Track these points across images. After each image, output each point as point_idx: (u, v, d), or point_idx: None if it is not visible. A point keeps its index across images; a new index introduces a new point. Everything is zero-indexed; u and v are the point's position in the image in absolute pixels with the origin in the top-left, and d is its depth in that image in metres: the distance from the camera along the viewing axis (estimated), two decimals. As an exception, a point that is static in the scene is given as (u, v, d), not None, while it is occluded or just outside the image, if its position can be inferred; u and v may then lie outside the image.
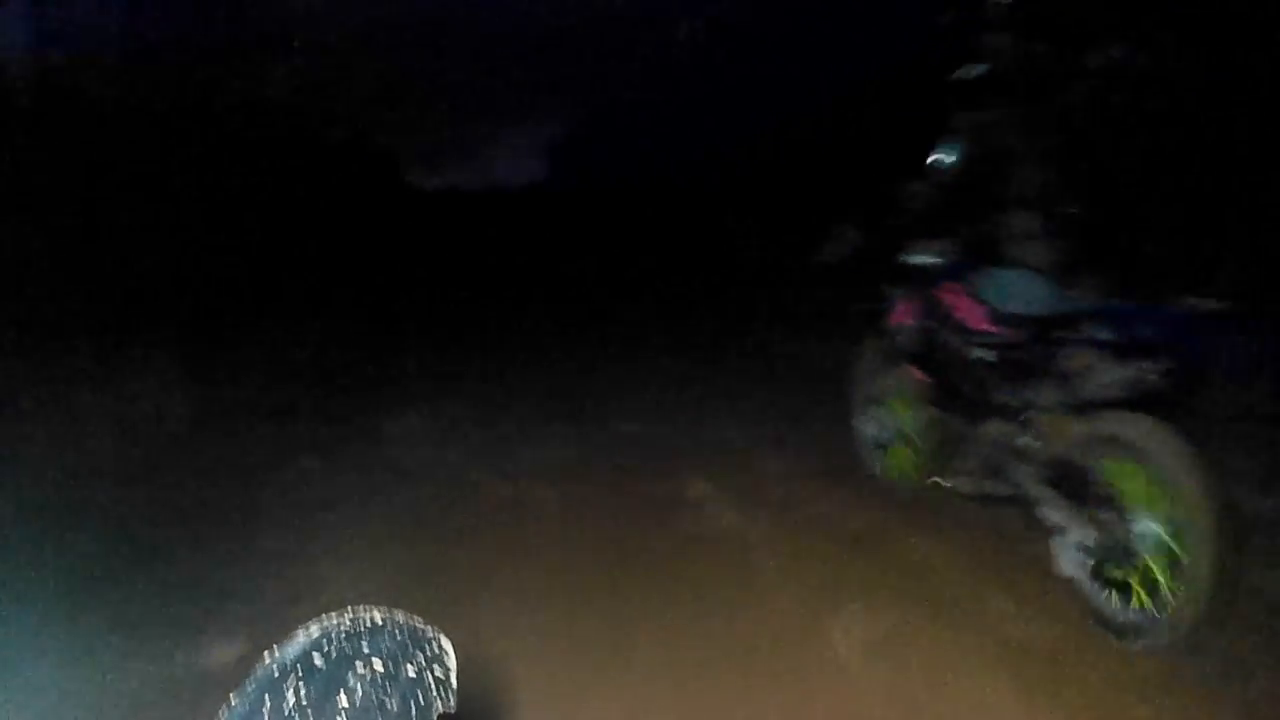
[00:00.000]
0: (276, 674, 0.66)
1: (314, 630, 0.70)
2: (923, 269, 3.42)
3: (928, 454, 3.60)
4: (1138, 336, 2.65)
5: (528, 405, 6.02)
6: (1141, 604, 2.60)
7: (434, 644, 0.71)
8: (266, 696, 0.65)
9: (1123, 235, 3.18)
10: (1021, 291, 3.03)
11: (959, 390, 3.34)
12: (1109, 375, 2.68)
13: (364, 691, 0.66)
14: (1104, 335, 2.72)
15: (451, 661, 0.71)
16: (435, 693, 0.68)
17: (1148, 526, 2.57)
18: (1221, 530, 2.36)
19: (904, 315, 3.62)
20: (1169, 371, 2.61)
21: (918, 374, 3.60)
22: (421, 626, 0.72)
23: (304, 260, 9.06)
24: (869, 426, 4.03)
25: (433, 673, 0.69)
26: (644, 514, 3.93)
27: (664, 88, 17.61)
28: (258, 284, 8.18)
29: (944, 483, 3.42)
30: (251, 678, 0.67)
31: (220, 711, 0.66)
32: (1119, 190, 3.19)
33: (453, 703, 0.69)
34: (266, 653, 0.68)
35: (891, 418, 3.87)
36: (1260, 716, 2.35)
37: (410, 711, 0.66)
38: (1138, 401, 2.65)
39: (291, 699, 0.65)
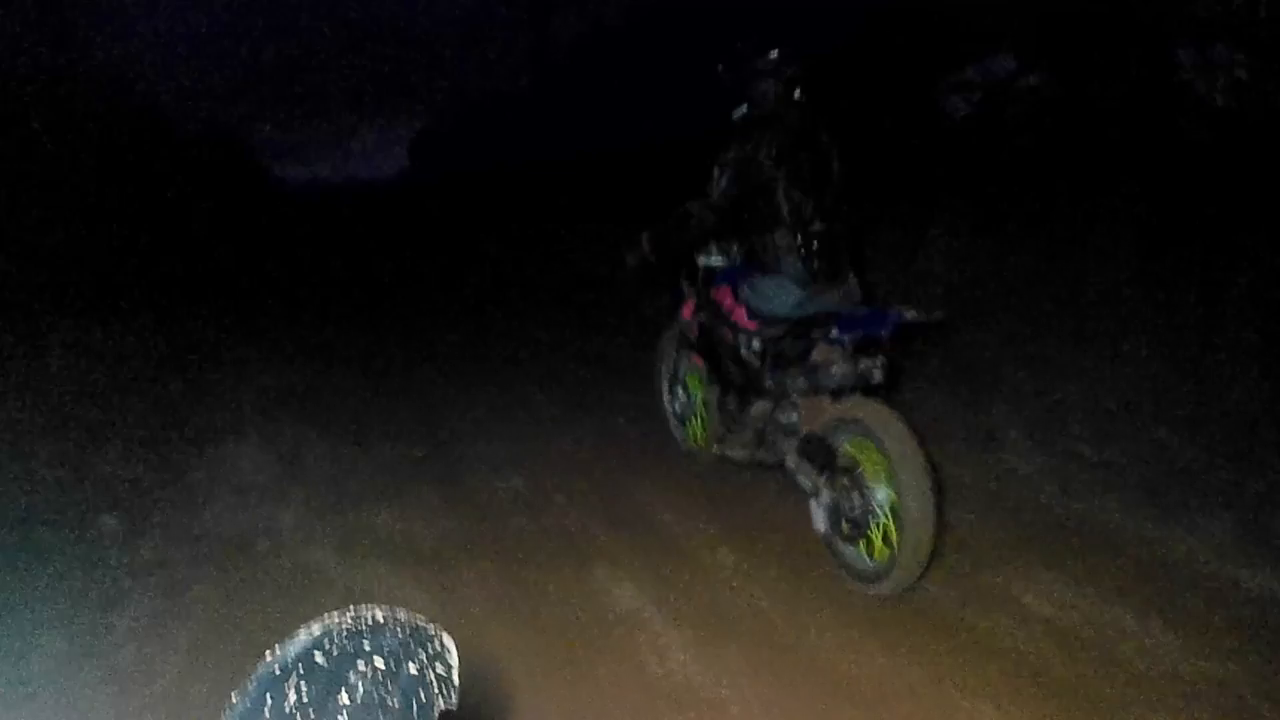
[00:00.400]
0: (278, 672, 0.66)
1: (315, 628, 0.69)
2: (705, 271, 3.99)
3: (712, 427, 4.12)
4: (864, 335, 3.28)
5: (377, 443, 5.07)
6: (875, 555, 3.15)
7: (436, 642, 0.72)
8: (268, 694, 0.64)
9: (854, 252, 3.79)
10: (775, 295, 3.59)
11: (731, 374, 3.92)
12: (841, 366, 3.30)
13: (365, 689, 0.65)
14: (839, 334, 3.33)
15: (453, 659, 0.71)
16: (437, 690, 0.69)
17: (878, 493, 3.11)
18: (930, 495, 2.94)
19: (689, 310, 4.24)
20: (885, 364, 3.27)
21: (700, 359, 4.20)
22: (423, 624, 0.73)
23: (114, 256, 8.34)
24: (673, 404, 4.59)
25: (434, 670, 0.69)
26: (567, 641, 2.94)
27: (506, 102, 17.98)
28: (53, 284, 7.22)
29: (725, 451, 3.96)
30: (253, 676, 0.66)
31: (223, 709, 0.64)
32: (854, 215, 3.76)
33: (454, 700, 0.69)
34: (268, 651, 0.67)
35: (687, 395, 4.45)
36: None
37: (412, 709, 0.67)
38: (866, 388, 3.29)
39: (293, 697, 0.64)
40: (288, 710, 0.63)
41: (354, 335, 8.14)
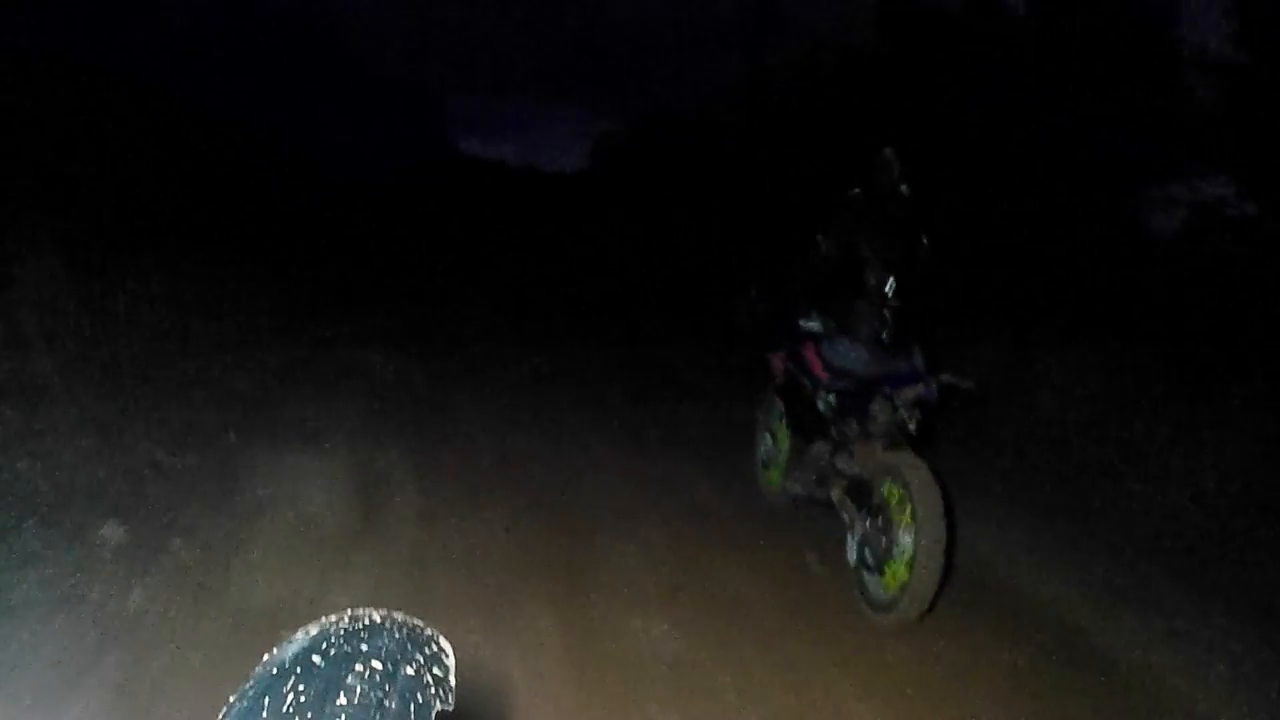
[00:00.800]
0: (275, 673, 0.66)
1: (312, 630, 0.70)
2: (799, 328, 4.46)
3: (784, 466, 4.65)
4: (911, 394, 3.83)
5: (487, 512, 4.22)
6: (888, 588, 3.58)
7: (432, 644, 0.72)
8: (265, 696, 0.65)
9: (913, 326, 4.24)
10: (849, 354, 4.13)
11: (805, 419, 4.43)
12: (886, 415, 3.85)
13: (363, 691, 0.66)
14: (891, 390, 3.87)
15: (450, 661, 0.72)
16: (434, 692, 0.69)
17: (902, 534, 3.55)
18: (942, 545, 3.37)
19: (779, 361, 4.72)
20: (922, 419, 3.86)
21: (784, 405, 4.71)
22: (420, 626, 0.73)
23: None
24: (761, 449, 5.03)
25: (431, 672, 0.69)
26: None
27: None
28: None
29: (789, 487, 4.46)
30: (250, 677, 0.66)
31: (220, 711, 0.65)
32: (918, 295, 4.20)
33: (451, 702, 0.69)
34: (265, 653, 0.68)
35: (775, 443, 4.89)
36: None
37: (409, 711, 0.66)
38: (905, 438, 3.83)
39: (290, 699, 0.64)
40: (285, 712, 0.64)
41: (484, 348, 7.25)
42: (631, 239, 12.93)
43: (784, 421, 4.73)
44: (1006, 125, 9.52)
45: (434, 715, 0.68)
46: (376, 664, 0.67)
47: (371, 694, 0.66)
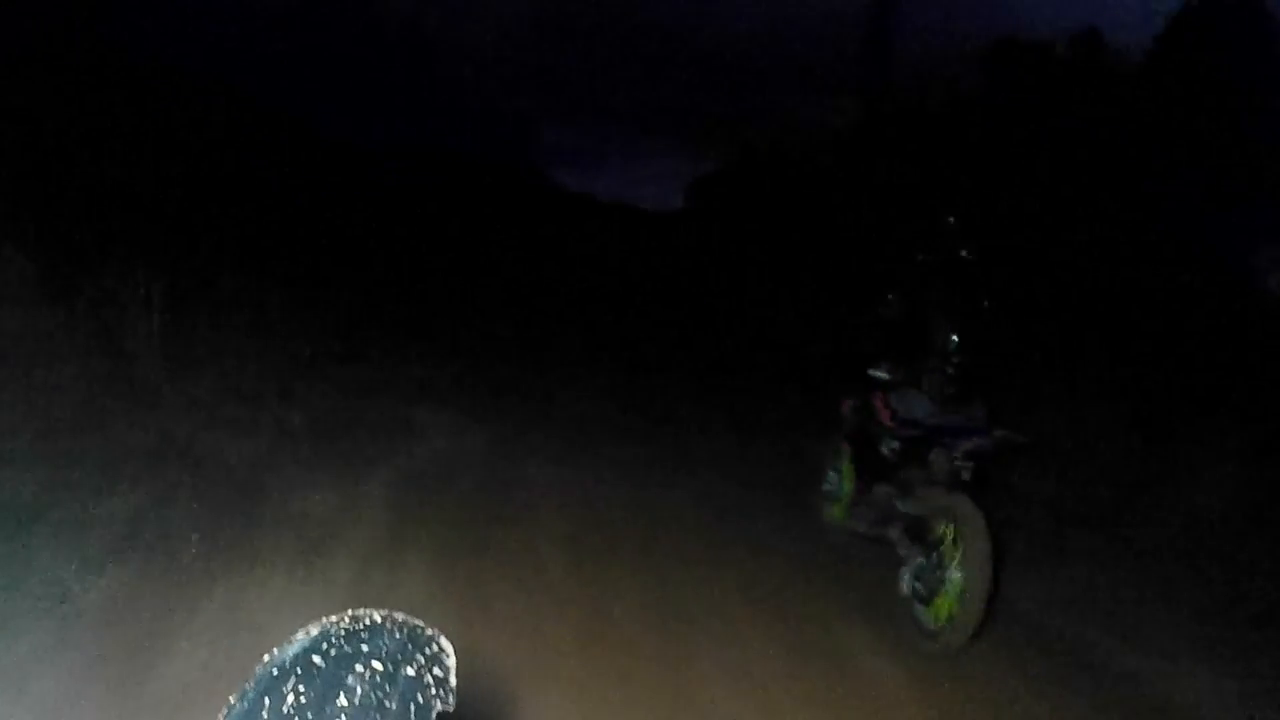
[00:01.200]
0: (276, 674, 0.66)
1: (313, 630, 0.70)
2: (870, 377, 4.68)
3: (846, 502, 4.95)
4: (968, 445, 4.12)
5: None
6: (938, 619, 3.85)
7: (433, 644, 0.71)
8: (266, 697, 0.65)
9: (987, 383, 4.53)
10: (915, 405, 4.42)
11: (870, 462, 4.70)
12: (944, 465, 4.14)
13: (363, 691, 0.65)
14: (952, 441, 4.15)
15: (450, 661, 0.71)
16: (434, 692, 0.68)
17: (952, 571, 3.81)
18: (987, 583, 3.64)
19: (847, 406, 5.09)
20: (978, 469, 4.13)
21: (851, 448, 5.01)
22: (420, 626, 0.73)
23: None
24: (826, 485, 5.32)
25: (431, 673, 0.69)
26: None
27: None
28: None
29: (851, 523, 4.77)
30: (251, 678, 0.67)
31: (220, 711, 0.65)
32: (978, 356, 4.46)
33: (451, 702, 0.68)
34: (266, 653, 0.69)
35: (839, 479, 5.17)
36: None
37: (409, 711, 0.66)
38: (960, 484, 4.07)
39: (291, 699, 0.64)
40: (285, 712, 0.64)
41: (565, 410, 6.40)
42: (726, 282, 12.78)
43: (850, 462, 5.04)
44: (1113, 177, 9.18)
45: (434, 715, 0.67)
46: (377, 664, 0.67)
47: (372, 694, 0.65)
